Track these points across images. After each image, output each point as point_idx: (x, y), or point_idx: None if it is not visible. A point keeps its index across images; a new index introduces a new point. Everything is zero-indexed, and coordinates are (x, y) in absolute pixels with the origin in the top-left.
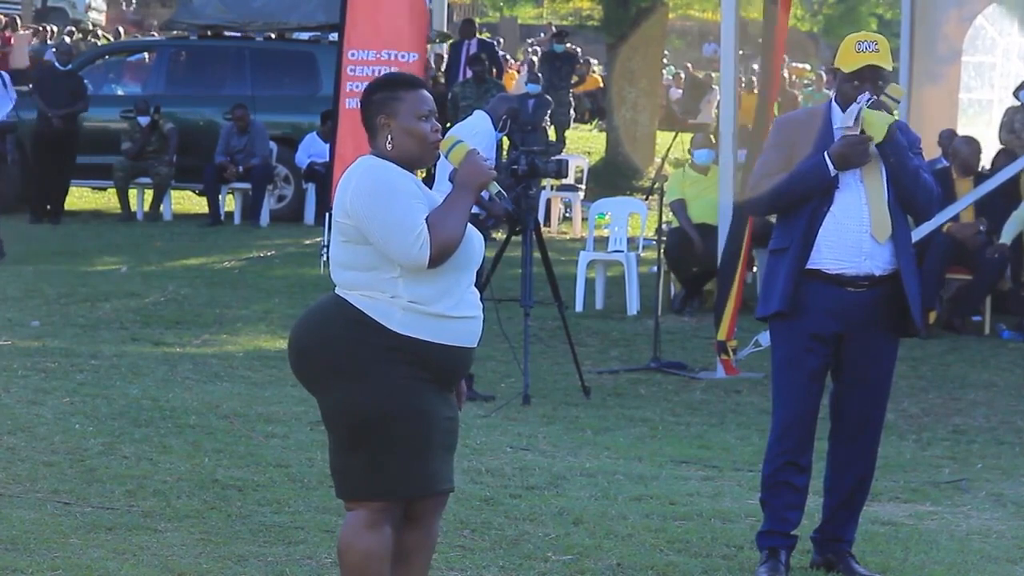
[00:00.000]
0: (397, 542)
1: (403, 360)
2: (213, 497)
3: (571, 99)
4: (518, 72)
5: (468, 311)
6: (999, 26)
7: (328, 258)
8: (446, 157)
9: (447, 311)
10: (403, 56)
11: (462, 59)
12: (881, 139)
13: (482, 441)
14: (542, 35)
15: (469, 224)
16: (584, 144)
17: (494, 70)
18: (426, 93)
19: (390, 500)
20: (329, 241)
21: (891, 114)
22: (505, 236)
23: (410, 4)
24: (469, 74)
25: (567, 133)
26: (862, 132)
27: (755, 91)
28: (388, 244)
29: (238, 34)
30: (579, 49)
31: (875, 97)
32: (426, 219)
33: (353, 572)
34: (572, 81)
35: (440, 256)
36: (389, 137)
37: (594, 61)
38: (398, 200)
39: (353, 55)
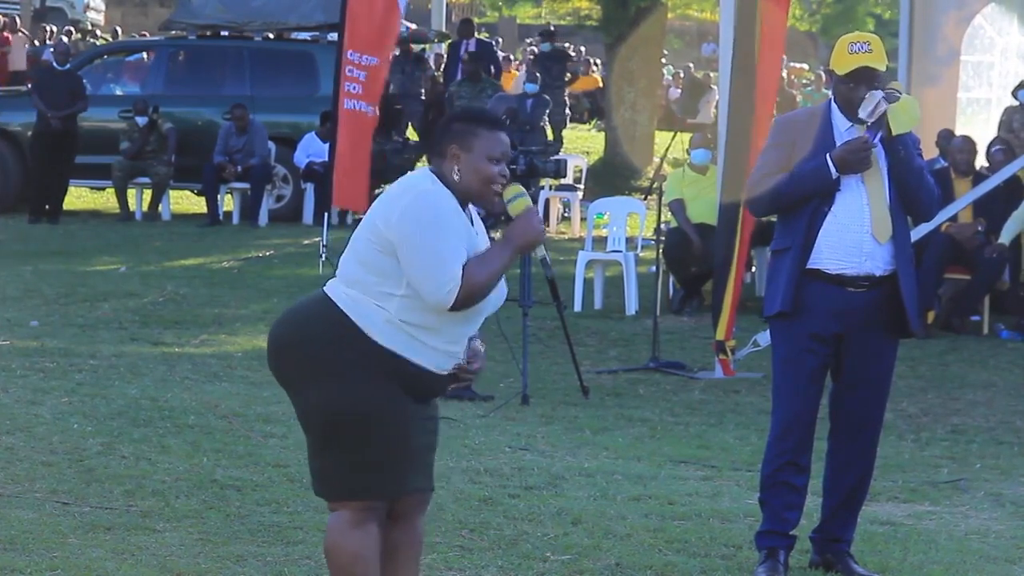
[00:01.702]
0: (383, 540)
1: (376, 366)
2: (212, 497)
3: (566, 98)
4: (516, 71)
5: (451, 347)
6: (997, 25)
7: (326, 257)
8: (507, 205)
9: (427, 342)
10: (368, 59)
11: (459, 59)
12: (907, 130)
13: (481, 441)
14: (539, 36)
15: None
16: (583, 144)
17: (492, 69)
18: (504, 136)
19: (368, 500)
20: (328, 239)
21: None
22: None
23: (388, 8)
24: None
25: (564, 132)
26: (879, 123)
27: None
28: (419, 276)
29: (226, 33)
30: (583, 48)
31: (887, 93)
32: (464, 265)
33: (341, 572)
34: (565, 79)
35: (464, 304)
36: (456, 168)
37: (597, 60)
38: (446, 238)
39: (351, 56)
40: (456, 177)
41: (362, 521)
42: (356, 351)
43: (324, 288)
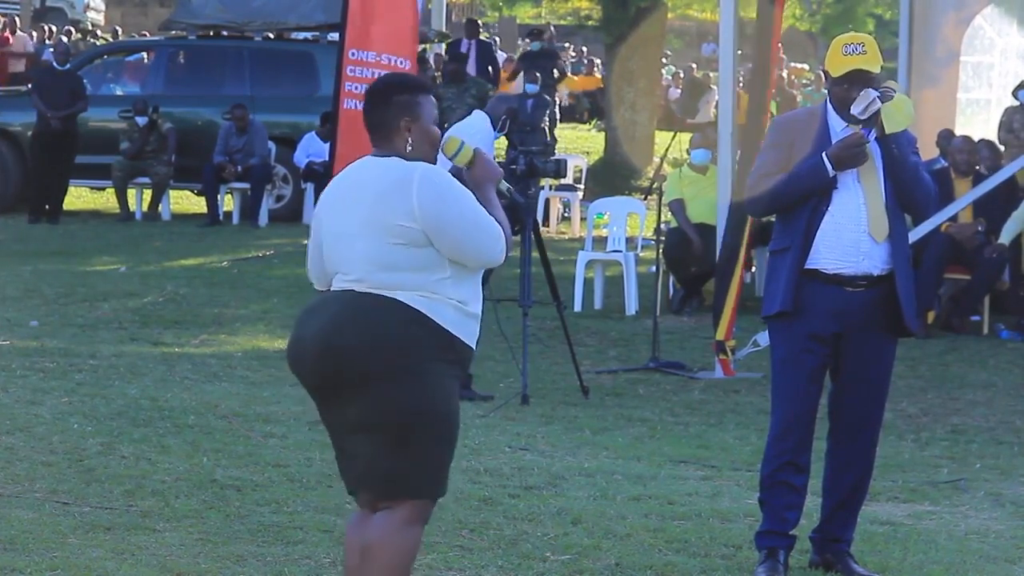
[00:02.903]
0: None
1: (448, 359)
2: (212, 497)
3: (556, 97)
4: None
5: (479, 314)
6: (997, 26)
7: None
8: (452, 159)
9: (477, 313)
10: (402, 62)
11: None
12: (900, 130)
13: (481, 441)
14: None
15: None
16: (583, 144)
17: (491, 70)
18: (433, 98)
19: (436, 496)
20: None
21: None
22: None
23: (407, 7)
24: (474, 74)
25: (561, 132)
26: (872, 121)
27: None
28: (470, 243)
29: (226, 33)
30: (584, 48)
31: (881, 92)
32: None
33: (388, 570)
34: (555, 77)
35: (506, 252)
36: (409, 140)
37: (597, 61)
38: (472, 201)
39: (354, 55)
40: (410, 148)
41: (415, 521)
42: (431, 346)
43: (373, 292)
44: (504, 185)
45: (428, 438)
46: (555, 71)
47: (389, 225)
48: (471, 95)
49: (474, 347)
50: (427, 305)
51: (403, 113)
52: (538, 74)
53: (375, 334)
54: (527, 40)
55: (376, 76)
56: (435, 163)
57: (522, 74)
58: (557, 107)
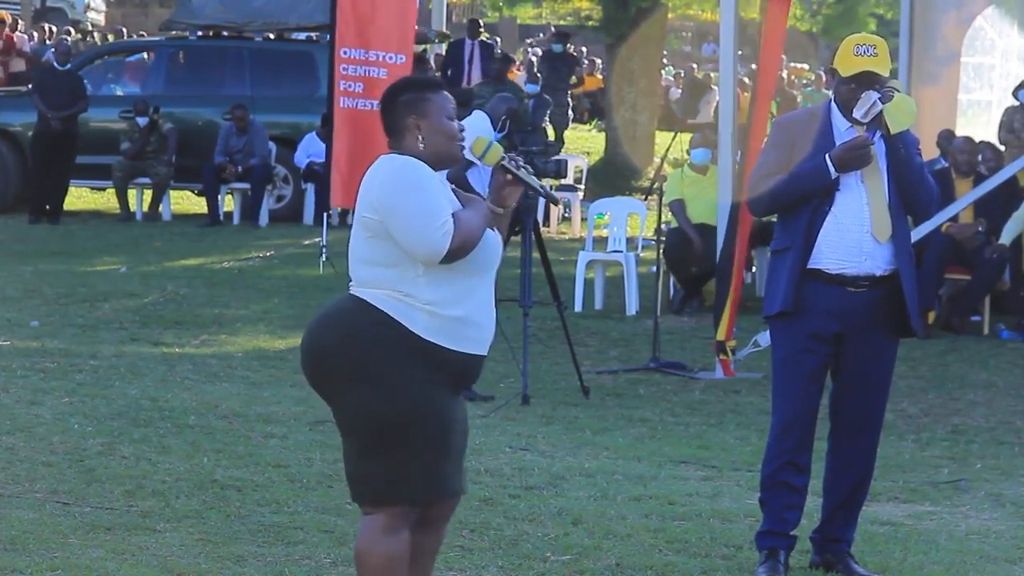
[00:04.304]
0: (412, 545)
1: (423, 363)
2: (212, 497)
3: (569, 100)
4: (518, 72)
5: (483, 317)
6: (998, 27)
7: (327, 258)
8: (480, 159)
9: (464, 315)
10: (391, 57)
11: (464, 59)
12: (903, 129)
13: (481, 441)
14: (541, 35)
15: (488, 228)
16: (583, 144)
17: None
18: (448, 94)
19: (409, 505)
20: (328, 240)
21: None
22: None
23: (400, 4)
24: (476, 74)
25: (565, 133)
26: (875, 122)
27: (747, 92)
28: (410, 233)
29: (226, 33)
30: (584, 49)
31: (881, 93)
32: (452, 213)
33: None
34: (571, 82)
35: (459, 250)
36: (420, 137)
37: (598, 61)
38: (425, 191)
39: (346, 54)
40: (421, 146)
41: (396, 527)
42: (400, 350)
43: (352, 292)
44: (535, 183)
45: (395, 443)
46: (572, 76)
47: (361, 219)
48: None
49: (468, 351)
50: (395, 308)
51: (409, 111)
52: (539, 73)
53: (344, 334)
54: (548, 36)
55: (370, 74)
56: (456, 157)
57: (524, 72)
58: (570, 109)
